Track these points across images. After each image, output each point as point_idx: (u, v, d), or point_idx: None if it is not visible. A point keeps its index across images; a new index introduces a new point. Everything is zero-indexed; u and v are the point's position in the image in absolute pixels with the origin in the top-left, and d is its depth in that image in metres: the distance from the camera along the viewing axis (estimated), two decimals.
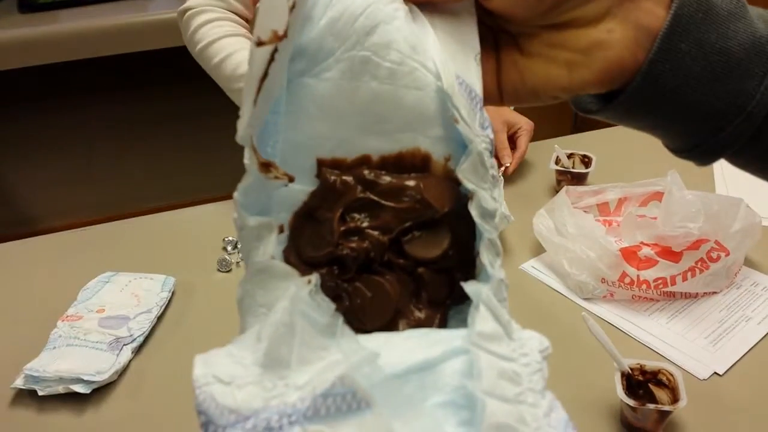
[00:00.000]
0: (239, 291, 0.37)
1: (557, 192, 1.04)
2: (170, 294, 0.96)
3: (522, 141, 1.18)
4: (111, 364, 0.81)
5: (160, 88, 2.21)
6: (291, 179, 0.36)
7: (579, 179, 1.15)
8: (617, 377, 0.70)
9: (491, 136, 0.36)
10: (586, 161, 1.17)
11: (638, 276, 0.86)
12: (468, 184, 0.35)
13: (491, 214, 0.35)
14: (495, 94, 0.39)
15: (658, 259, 0.86)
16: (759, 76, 0.34)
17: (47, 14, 1.86)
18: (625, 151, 1.25)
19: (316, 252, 0.37)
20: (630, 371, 0.71)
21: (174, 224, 1.17)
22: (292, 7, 0.32)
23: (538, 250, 1.00)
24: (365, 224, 0.36)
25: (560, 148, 1.17)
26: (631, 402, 0.67)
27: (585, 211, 1.02)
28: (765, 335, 0.83)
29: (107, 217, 1.18)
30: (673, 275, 0.86)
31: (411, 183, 0.36)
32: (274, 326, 0.32)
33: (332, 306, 0.34)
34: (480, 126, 0.35)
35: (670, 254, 0.86)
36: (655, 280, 0.86)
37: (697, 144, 0.37)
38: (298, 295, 0.32)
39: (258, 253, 0.35)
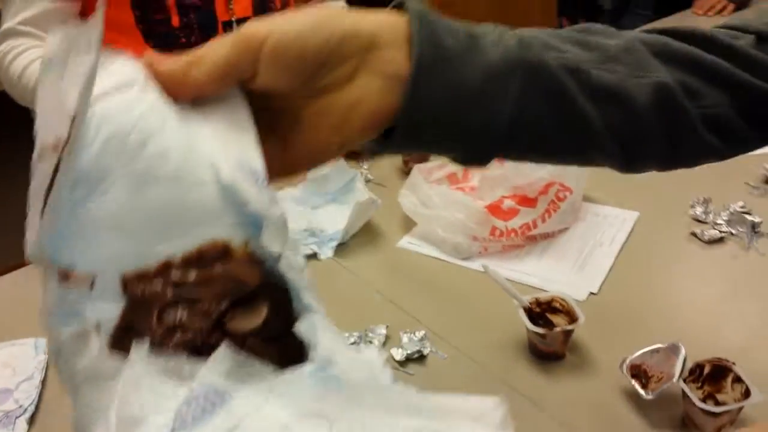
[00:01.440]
0: (74, 417, 0.36)
1: (405, 172, 1.11)
2: (47, 356, 0.88)
3: None
4: None
5: None
6: (92, 283, 0.35)
7: (423, 157, 1.22)
8: (521, 313, 0.77)
9: (282, 209, 0.37)
10: None
11: (506, 226, 0.95)
12: (272, 249, 0.36)
13: (301, 268, 0.38)
14: (280, 170, 0.41)
15: (519, 207, 0.96)
16: (499, 96, 0.39)
17: None
18: None
19: None
20: (529, 306, 0.79)
21: (25, 283, 1.07)
22: (73, 118, 0.32)
23: (409, 225, 1.06)
24: (184, 317, 0.36)
25: None
26: (540, 330, 0.74)
27: (438, 184, 1.10)
28: (617, 254, 0.96)
29: None
30: (534, 219, 0.96)
31: (218, 270, 0.37)
32: (118, 395, 0.32)
33: (171, 354, 0.35)
34: (270, 201, 0.37)
35: (528, 201, 0.96)
36: (520, 227, 0.96)
37: (471, 158, 0.43)
38: (138, 354, 0.33)
39: (82, 361, 0.35)
